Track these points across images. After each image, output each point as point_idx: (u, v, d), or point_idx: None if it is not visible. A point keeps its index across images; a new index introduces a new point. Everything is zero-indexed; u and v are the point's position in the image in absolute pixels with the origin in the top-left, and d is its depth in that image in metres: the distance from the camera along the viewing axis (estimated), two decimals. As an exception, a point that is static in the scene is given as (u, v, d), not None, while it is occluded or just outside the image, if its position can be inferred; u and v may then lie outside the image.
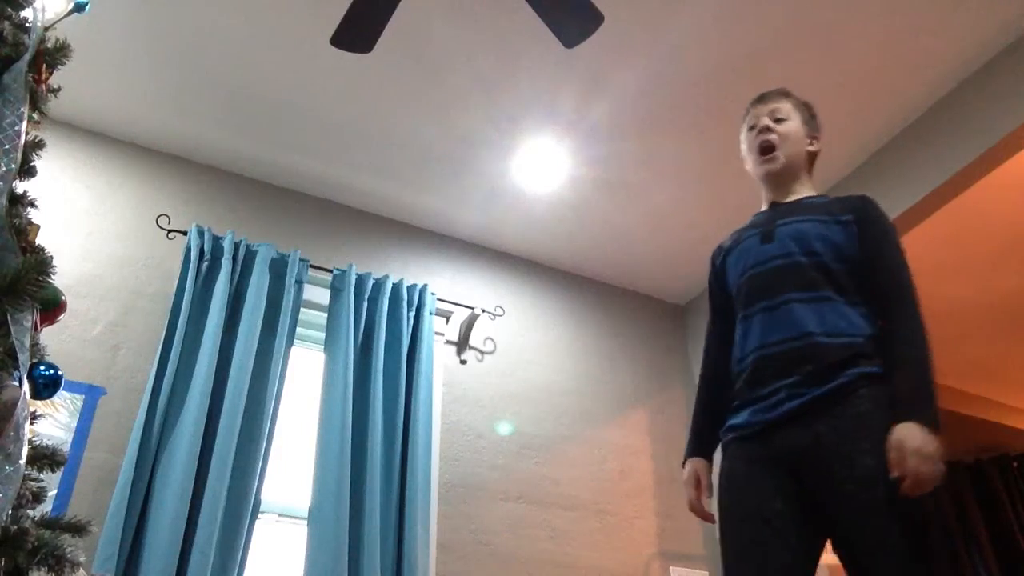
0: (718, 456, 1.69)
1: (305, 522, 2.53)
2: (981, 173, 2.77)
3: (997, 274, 3.78)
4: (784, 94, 1.85)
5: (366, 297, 3.03)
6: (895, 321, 1.51)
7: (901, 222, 2.98)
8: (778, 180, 1.79)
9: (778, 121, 1.79)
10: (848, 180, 3.23)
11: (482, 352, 3.39)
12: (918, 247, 3.41)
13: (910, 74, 2.79)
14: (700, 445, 1.74)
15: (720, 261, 1.84)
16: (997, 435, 4.87)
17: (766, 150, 1.78)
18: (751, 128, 1.83)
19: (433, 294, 3.21)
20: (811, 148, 1.82)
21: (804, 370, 1.48)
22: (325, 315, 2.97)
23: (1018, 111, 2.59)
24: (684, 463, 1.74)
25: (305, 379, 2.97)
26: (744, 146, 1.87)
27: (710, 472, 1.68)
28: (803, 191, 1.79)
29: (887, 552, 1.29)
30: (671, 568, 3.22)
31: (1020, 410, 4.90)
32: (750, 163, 1.84)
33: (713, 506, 1.64)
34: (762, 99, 1.85)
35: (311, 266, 3.03)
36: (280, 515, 2.70)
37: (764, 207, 1.84)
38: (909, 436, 1.35)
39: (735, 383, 1.67)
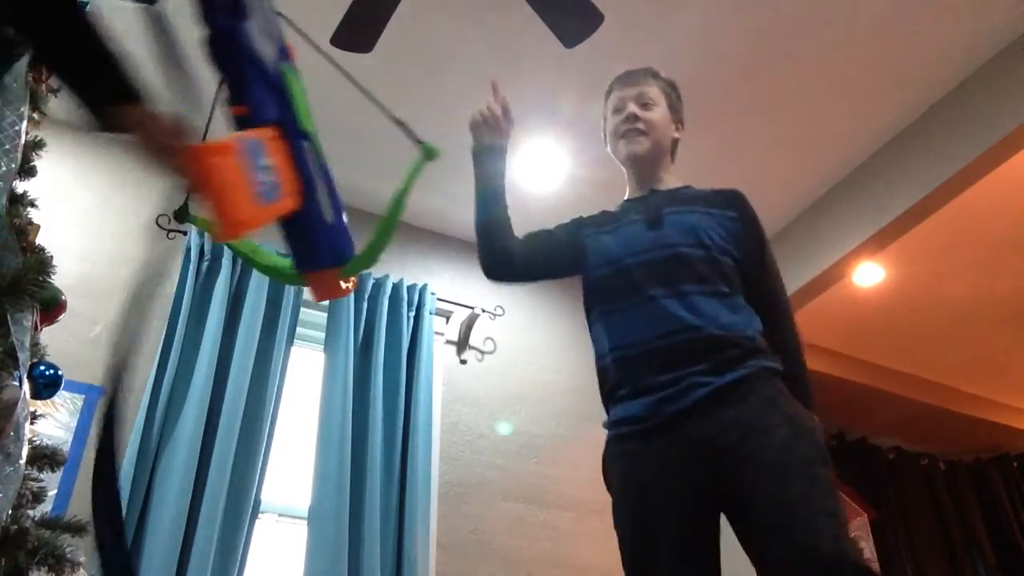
0: (597, 450, 1.58)
1: (305, 522, 2.53)
2: (981, 173, 2.77)
3: (997, 274, 3.78)
4: (651, 74, 1.78)
5: (366, 297, 3.03)
6: (777, 321, 1.55)
7: (901, 222, 2.98)
8: (643, 164, 1.72)
9: (644, 107, 1.72)
10: (848, 180, 3.23)
11: (482, 352, 3.39)
12: (918, 247, 3.43)
13: (910, 74, 2.79)
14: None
15: (586, 229, 1.73)
16: (997, 435, 4.87)
17: (632, 155, 1.72)
18: (616, 111, 1.75)
19: (433, 294, 3.21)
20: (676, 135, 1.77)
21: (708, 359, 1.41)
22: (325, 315, 2.96)
23: (1018, 111, 2.59)
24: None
25: (305, 379, 2.97)
26: (608, 128, 1.78)
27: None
28: (670, 179, 1.74)
29: (811, 506, 1.23)
30: (671, 568, 3.22)
31: (1020, 410, 4.90)
32: (613, 146, 1.77)
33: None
34: (628, 79, 1.77)
35: (311, 266, 3.02)
36: (280, 515, 2.70)
37: (634, 194, 1.75)
38: None
39: (610, 372, 1.55)
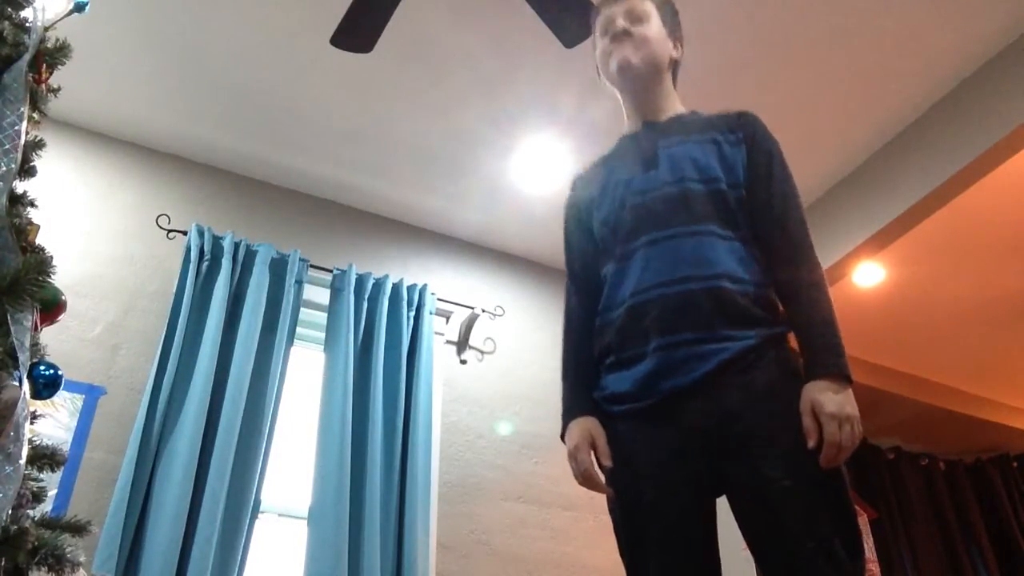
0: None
1: (305, 522, 2.53)
2: (981, 173, 2.77)
3: (997, 274, 3.78)
4: None
5: (366, 297, 3.03)
6: (794, 263, 1.33)
7: (901, 221, 2.98)
8: (637, 84, 1.52)
9: (634, 22, 1.53)
10: (848, 179, 3.23)
11: (482, 352, 3.39)
12: (918, 247, 3.43)
13: (910, 74, 2.79)
14: (587, 401, 1.39)
15: (584, 193, 1.54)
16: (997, 435, 4.87)
17: (624, 64, 1.50)
18: (604, 32, 1.56)
19: (433, 294, 3.21)
20: (674, 54, 1.59)
21: (706, 319, 1.27)
22: (325, 315, 2.97)
23: (1018, 110, 2.59)
24: (566, 427, 1.39)
25: (305, 379, 2.97)
26: (598, 55, 1.59)
27: (604, 433, 1.36)
28: (673, 106, 1.55)
29: (818, 536, 1.16)
30: (671, 568, 3.22)
31: (1020, 410, 4.90)
32: (604, 69, 1.57)
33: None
34: None
35: (311, 266, 3.03)
36: (280, 515, 2.70)
37: (630, 128, 1.57)
38: (824, 399, 1.19)
39: (604, 334, 1.38)
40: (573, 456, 1.34)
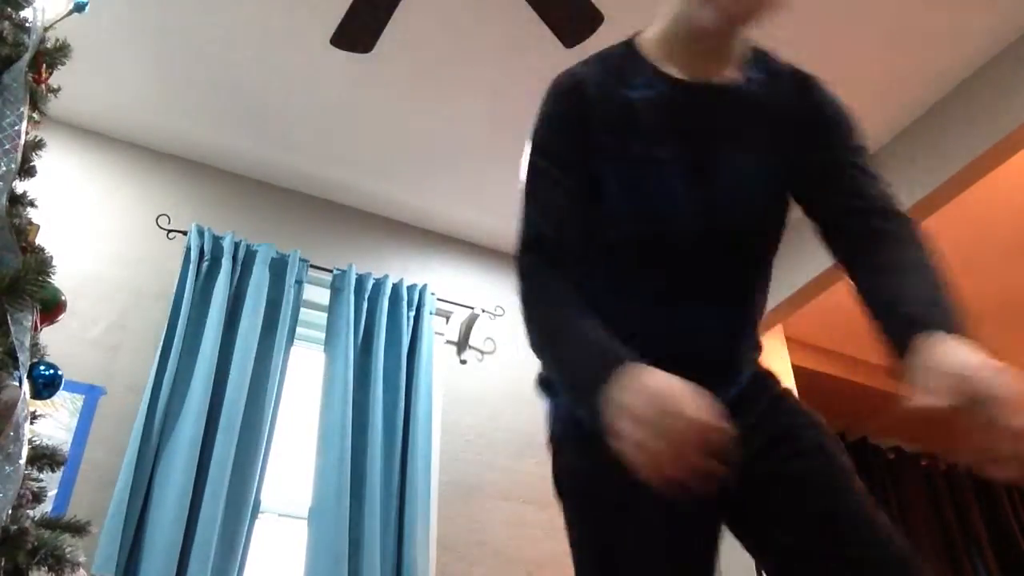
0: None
1: (305, 522, 2.53)
2: (981, 173, 2.77)
3: (1002, 271, 3.78)
4: None
5: (366, 297, 3.03)
6: (903, 244, 1.17)
7: (901, 222, 2.98)
8: (723, 37, 1.19)
9: None
10: (848, 180, 3.23)
11: (482, 352, 3.39)
12: (918, 247, 3.43)
13: (910, 73, 2.79)
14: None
15: (596, 121, 1.18)
16: (997, 435, 4.86)
17: (734, 13, 1.13)
18: None
19: (433, 294, 3.21)
20: None
21: (727, 366, 1.20)
22: (325, 315, 2.97)
23: (1018, 111, 2.59)
24: (609, 376, 0.88)
25: (305, 379, 2.97)
26: None
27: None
28: (735, 56, 1.22)
29: (854, 500, 1.08)
30: (671, 568, 3.22)
31: (1020, 410, 4.89)
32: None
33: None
34: None
35: (311, 266, 3.03)
36: (280, 515, 2.70)
37: (673, 68, 1.23)
38: (986, 362, 0.85)
39: (622, 329, 1.08)
40: (669, 401, 0.83)
